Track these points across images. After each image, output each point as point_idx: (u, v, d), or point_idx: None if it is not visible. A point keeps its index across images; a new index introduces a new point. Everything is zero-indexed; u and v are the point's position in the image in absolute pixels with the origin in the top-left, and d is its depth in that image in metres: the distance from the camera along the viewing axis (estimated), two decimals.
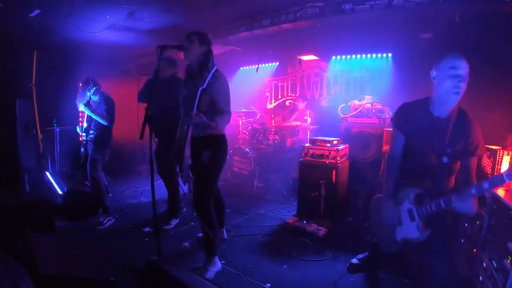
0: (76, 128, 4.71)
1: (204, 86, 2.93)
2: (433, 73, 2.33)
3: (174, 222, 4.47)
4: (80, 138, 4.63)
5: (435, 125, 2.35)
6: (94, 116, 4.39)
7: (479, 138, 2.29)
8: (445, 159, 2.34)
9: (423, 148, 2.44)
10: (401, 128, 2.57)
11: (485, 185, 1.94)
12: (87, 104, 4.36)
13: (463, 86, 2.20)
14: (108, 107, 4.45)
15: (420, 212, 2.39)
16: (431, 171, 2.43)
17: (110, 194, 5.41)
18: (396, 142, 2.62)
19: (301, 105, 6.78)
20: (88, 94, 4.42)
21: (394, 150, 2.65)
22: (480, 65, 4.16)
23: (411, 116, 2.50)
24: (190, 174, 3.22)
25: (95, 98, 4.46)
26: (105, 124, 4.44)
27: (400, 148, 2.61)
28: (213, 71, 3.03)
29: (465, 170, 2.33)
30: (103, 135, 4.49)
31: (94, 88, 4.42)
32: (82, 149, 4.58)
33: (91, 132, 4.47)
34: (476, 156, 2.32)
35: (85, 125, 4.51)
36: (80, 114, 4.68)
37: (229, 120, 3.11)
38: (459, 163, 2.40)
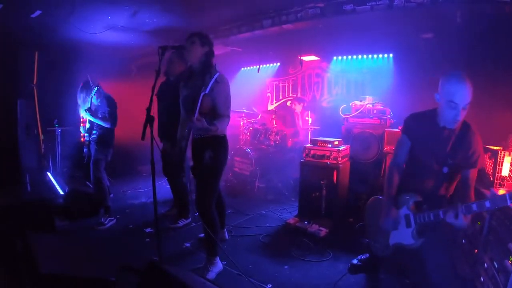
0: (79, 128, 4.69)
1: (207, 91, 2.93)
2: (437, 95, 2.40)
3: (182, 222, 4.45)
4: (82, 139, 4.62)
5: (440, 135, 2.41)
6: (96, 121, 4.35)
7: (480, 151, 2.35)
8: (445, 169, 2.41)
9: (426, 155, 2.51)
10: (408, 134, 2.64)
11: (487, 204, 1.97)
12: (89, 109, 4.30)
13: (463, 114, 2.27)
14: (110, 109, 4.41)
15: (417, 219, 2.42)
16: (431, 179, 2.48)
17: (112, 195, 5.42)
18: (402, 148, 2.69)
19: (298, 107, 6.78)
20: (88, 98, 4.36)
21: (398, 155, 2.72)
22: (481, 65, 4.19)
23: (419, 123, 2.58)
24: (191, 175, 3.23)
25: (96, 101, 4.41)
26: (108, 126, 4.42)
27: (404, 154, 2.68)
28: (215, 77, 3.02)
29: (464, 182, 2.38)
30: (106, 135, 4.47)
31: (96, 89, 4.35)
32: (85, 150, 4.54)
33: (94, 132, 4.45)
34: (476, 169, 2.37)
35: (87, 125, 4.47)
36: (81, 117, 4.66)
37: (228, 124, 3.13)
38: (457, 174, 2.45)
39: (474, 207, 2.02)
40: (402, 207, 2.55)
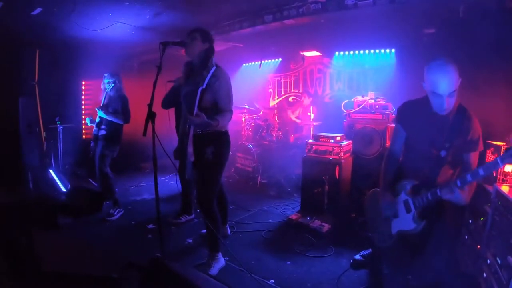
0: (85, 120, 4.78)
1: (204, 86, 2.94)
2: (423, 84, 2.36)
3: (184, 218, 4.46)
4: (84, 132, 4.70)
5: (435, 121, 2.37)
6: (110, 118, 4.44)
7: (479, 134, 2.31)
8: (443, 153, 2.36)
9: (422, 142, 2.48)
10: (403, 124, 2.62)
11: (481, 171, 1.96)
12: (101, 107, 4.45)
13: (451, 101, 2.23)
14: (124, 106, 4.52)
15: (416, 203, 2.41)
16: (430, 164, 2.45)
17: (116, 190, 5.46)
18: (397, 137, 2.68)
19: (306, 100, 6.80)
20: (106, 86, 4.55)
21: (394, 145, 2.71)
22: (483, 60, 4.17)
23: (412, 112, 2.55)
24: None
25: (112, 93, 4.54)
26: (121, 123, 4.52)
27: (400, 143, 2.67)
28: (212, 70, 3.02)
29: (466, 166, 2.34)
30: (114, 131, 4.54)
31: (116, 85, 4.54)
32: (92, 144, 4.63)
33: (103, 127, 4.51)
34: (478, 152, 2.34)
35: (97, 119, 4.56)
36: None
37: (231, 119, 3.12)
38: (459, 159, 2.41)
39: (468, 177, 2.01)
40: (400, 194, 2.55)
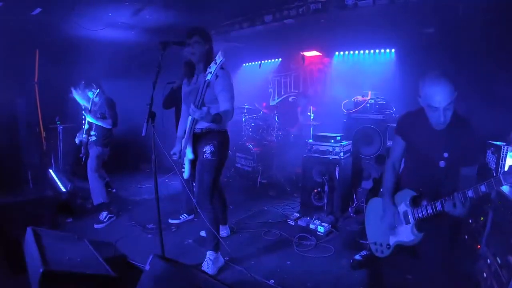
0: (76, 140, 4.72)
1: (211, 78, 2.89)
2: (419, 99, 2.32)
3: (184, 218, 4.47)
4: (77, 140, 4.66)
5: (433, 134, 2.36)
6: (98, 123, 4.43)
7: (477, 148, 2.34)
8: (442, 164, 2.36)
9: (421, 153, 2.49)
10: (402, 135, 2.64)
11: (482, 188, 1.96)
12: (90, 111, 4.41)
13: (448, 114, 2.19)
14: (111, 110, 4.49)
15: (415, 215, 2.41)
16: (430, 175, 2.46)
17: (114, 190, 5.44)
18: (397, 147, 2.71)
19: (302, 102, 6.78)
20: (90, 96, 4.48)
21: (394, 154, 2.73)
22: (484, 58, 4.16)
23: (411, 124, 2.55)
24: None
25: (96, 99, 4.50)
26: (109, 127, 4.50)
27: (400, 153, 2.70)
28: (221, 61, 2.95)
29: (465, 179, 2.33)
30: (104, 136, 4.52)
31: (98, 91, 4.48)
32: (82, 150, 4.59)
33: (93, 133, 4.50)
34: (476, 165, 2.35)
35: (86, 126, 4.52)
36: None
37: (232, 117, 3.11)
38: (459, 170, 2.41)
39: (469, 193, 2.01)
40: (400, 204, 2.55)
